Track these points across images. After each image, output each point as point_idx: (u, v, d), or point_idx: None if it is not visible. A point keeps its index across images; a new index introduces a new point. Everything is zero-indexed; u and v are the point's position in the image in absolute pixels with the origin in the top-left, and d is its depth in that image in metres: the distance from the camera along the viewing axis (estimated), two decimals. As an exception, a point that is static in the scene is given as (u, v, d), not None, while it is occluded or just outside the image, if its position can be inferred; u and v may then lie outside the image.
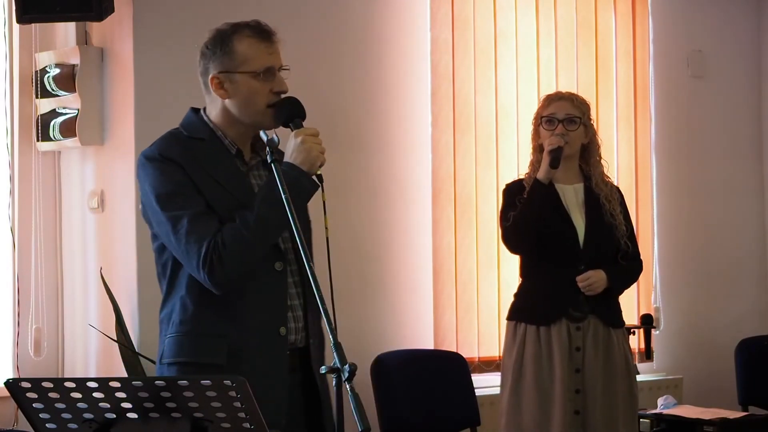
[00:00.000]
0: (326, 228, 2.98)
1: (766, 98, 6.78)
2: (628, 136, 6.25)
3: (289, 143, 3.02)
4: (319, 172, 3.01)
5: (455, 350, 5.56)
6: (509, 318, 4.63)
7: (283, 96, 3.06)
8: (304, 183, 2.98)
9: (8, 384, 2.38)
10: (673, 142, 6.45)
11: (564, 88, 5.78)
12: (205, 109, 3.13)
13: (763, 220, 6.76)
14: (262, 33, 3.07)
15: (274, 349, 3.01)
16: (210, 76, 3.06)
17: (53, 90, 4.99)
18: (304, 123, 3.05)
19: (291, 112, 3.05)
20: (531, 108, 5.87)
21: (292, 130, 3.03)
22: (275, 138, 2.98)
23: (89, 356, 5.04)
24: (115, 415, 2.39)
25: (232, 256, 2.91)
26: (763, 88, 6.78)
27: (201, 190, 2.98)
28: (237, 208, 2.97)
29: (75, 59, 4.96)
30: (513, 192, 4.62)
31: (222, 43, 3.05)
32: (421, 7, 5.66)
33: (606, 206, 4.59)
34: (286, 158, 3.01)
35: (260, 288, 3.01)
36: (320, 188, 3.00)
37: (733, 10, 6.70)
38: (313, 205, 3.06)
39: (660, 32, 6.40)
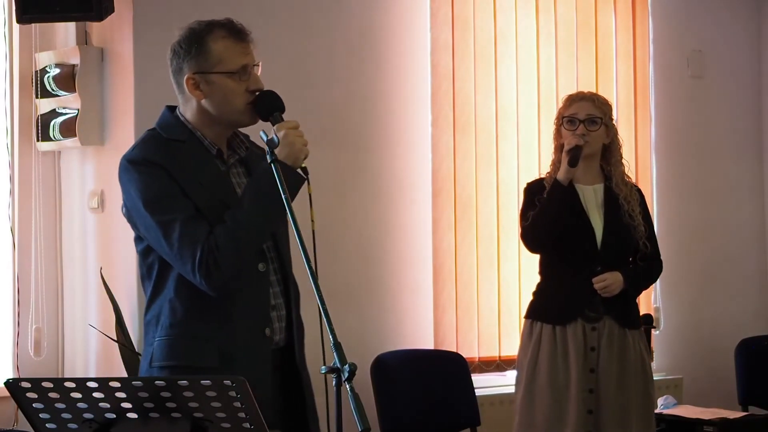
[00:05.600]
0: (312, 221, 2.94)
1: (766, 98, 6.77)
2: (628, 136, 6.22)
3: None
4: (303, 165, 2.96)
5: (455, 350, 5.56)
6: (527, 316, 4.66)
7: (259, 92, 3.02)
8: (290, 178, 2.94)
9: (8, 384, 2.39)
10: (673, 142, 6.45)
11: (564, 88, 5.80)
12: (178, 107, 3.09)
13: (763, 220, 6.76)
14: (237, 33, 3.02)
15: (260, 349, 3.00)
16: (185, 77, 3.02)
17: (53, 90, 4.99)
18: (283, 116, 3.01)
19: (270, 106, 3.01)
20: (531, 108, 5.89)
21: (273, 125, 2.99)
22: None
23: (89, 356, 5.04)
24: (115, 415, 2.39)
25: (227, 258, 2.89)
26: (763, 88, 6.78)
27: (186, 192, 2.95)
28: (220, 209, 2.94)
29: (75, 59, 4.96)
30: (533, 191, 4.63)
31: (197, 42, 3.01)
32: (421, 7, 5.65)
33: (625, 207, 4.60)
34: None
35: (245, 290, 2.99)
36: (306, 181, 2.96)
37: (733, 10, 6.70)
38: (300, 199, 3.00)
39: (660, 32, 6.40)
